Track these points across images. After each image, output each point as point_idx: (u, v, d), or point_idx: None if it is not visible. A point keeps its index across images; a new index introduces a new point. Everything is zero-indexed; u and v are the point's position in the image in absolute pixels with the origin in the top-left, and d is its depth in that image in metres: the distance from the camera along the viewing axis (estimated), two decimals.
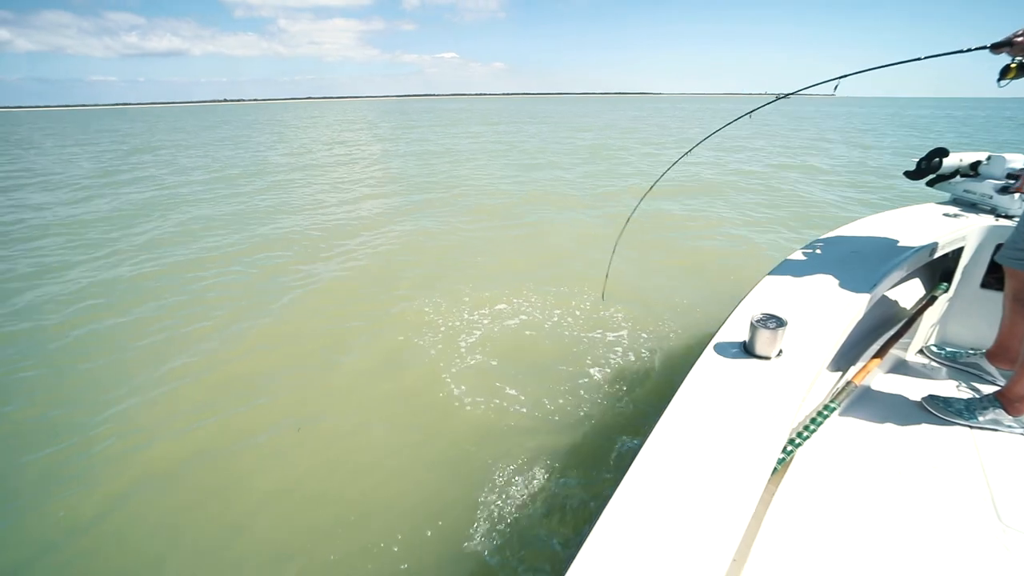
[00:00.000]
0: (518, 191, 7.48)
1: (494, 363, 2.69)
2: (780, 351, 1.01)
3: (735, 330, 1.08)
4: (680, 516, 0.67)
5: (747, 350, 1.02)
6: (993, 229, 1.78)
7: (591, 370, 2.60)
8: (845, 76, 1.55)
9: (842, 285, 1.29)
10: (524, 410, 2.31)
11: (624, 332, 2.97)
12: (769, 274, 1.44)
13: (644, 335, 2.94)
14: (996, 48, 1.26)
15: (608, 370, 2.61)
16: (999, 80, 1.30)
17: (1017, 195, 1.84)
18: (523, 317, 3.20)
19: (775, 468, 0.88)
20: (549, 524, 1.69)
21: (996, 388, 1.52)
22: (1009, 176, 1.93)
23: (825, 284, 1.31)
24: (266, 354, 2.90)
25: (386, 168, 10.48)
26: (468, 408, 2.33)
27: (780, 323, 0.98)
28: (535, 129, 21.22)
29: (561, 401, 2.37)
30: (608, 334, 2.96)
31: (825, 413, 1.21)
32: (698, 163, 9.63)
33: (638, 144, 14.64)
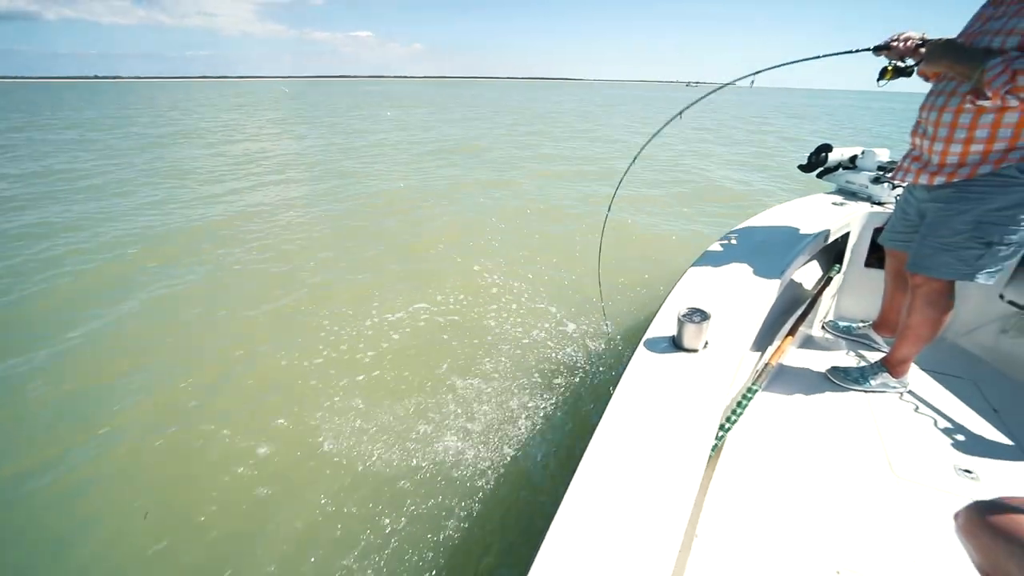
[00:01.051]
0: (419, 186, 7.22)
1: (405, 373, 2.51)
2: (706, 343, 1.06)
3: (664, 325, 1.13)
4: (629, 508, 0.72)
5: (676, 344, 1.06)
6: (871, 215, 2.03)
7: (528, 372, 2.52)
8: (758, 72, 1.65)
9: (756, 273, 1.39)
10: (460, 419, 2.17)
11: (554, 330, 2.91)
12: (692, 266, 1.51)
13: (579, 334, 2.89)
14: (877, 51, 1.39)
15: (546, 371, 2.54)
16: (879, 80, 1.44)
17: (886, 184, 2.11)
18: (444, 316, 3.08)
19: (710, 454, 0.93)
20: (503, 530, 1.66)
21: (883, 355, 1.74)
22: (879, 168, 2.22)
23: (741, 274, 1.40)
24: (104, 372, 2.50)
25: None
26: (398, 424, 2.15)
27: (704, 316, 1.03)
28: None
29: (498, 406, 2.27)
30: (536, 332, 2.89)
31: (749, 396, 1.30)
32: (610, 155, 10.08)
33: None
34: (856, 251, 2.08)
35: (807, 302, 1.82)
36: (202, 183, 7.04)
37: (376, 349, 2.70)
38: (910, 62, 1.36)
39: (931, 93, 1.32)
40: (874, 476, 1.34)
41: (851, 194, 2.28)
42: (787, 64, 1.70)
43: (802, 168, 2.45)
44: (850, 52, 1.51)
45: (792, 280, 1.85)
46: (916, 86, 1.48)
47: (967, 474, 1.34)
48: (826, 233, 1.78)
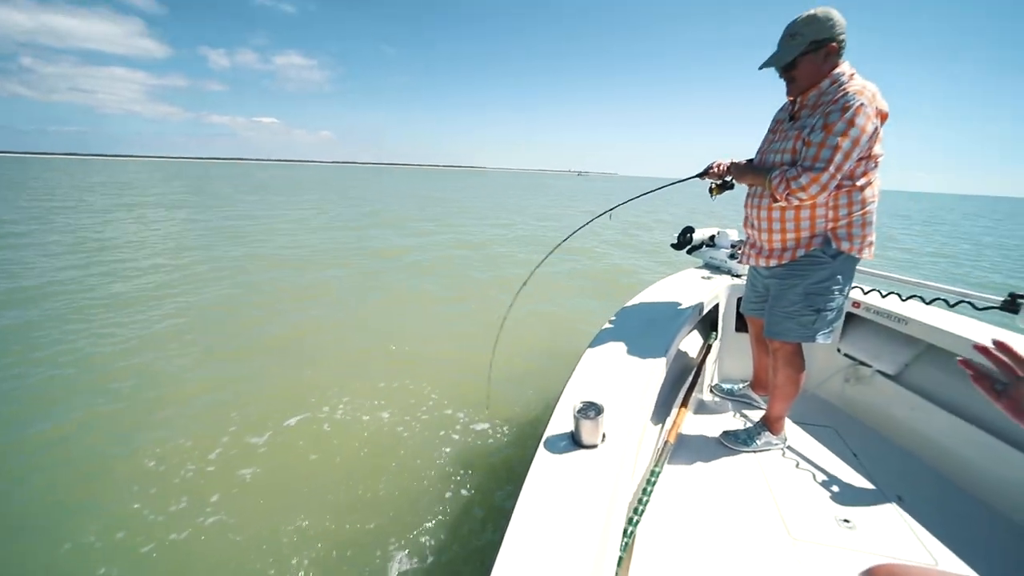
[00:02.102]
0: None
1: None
2: (604, 435, 1.03)
3: (563, 421, 1.09)
4: None
5: (575, 441, 1.02)
6: (733, 287, 2.33)
7: (427, 473, 2.28)
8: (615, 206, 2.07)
9: (644, 353, 1.45)
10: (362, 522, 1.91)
11: (446, 422, 2.72)
12: (588, 347, 1.53)
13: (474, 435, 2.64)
14: (701, 175, 1.71)
15: (447, 470, 2.33)
16: (711, 196, 1.77)
17: (739, 260, 2.47)
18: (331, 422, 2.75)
19: (620, 554, 0.86)
20: None
21: (762, 411, 1.90)
22: (732, 246, 2.61)
23: (631, 356, 1.44)
24: None
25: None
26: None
27: (599, 410, 1.01)
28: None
29: (403, 507, 2.05)
30: (439, 429, 2.67)
31: (653, 480, 1.29)
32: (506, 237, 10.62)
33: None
34: (727, 318, 2.35)
35: (694, 371, 1.96)
36: None
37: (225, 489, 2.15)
38: (728, 179, 1.69)
39: (749, 195, 1.64)
40: (774, 542, 1.38)
41: (715, 268, 2.62)
42: (642, 195, 2.09)
43: (674, 246, 2.79)
44: (683, 180, 1.88)
45: (680, 351, 2.00)
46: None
47: (846, 523, 1.44)
48: (700, 305, 1.98)
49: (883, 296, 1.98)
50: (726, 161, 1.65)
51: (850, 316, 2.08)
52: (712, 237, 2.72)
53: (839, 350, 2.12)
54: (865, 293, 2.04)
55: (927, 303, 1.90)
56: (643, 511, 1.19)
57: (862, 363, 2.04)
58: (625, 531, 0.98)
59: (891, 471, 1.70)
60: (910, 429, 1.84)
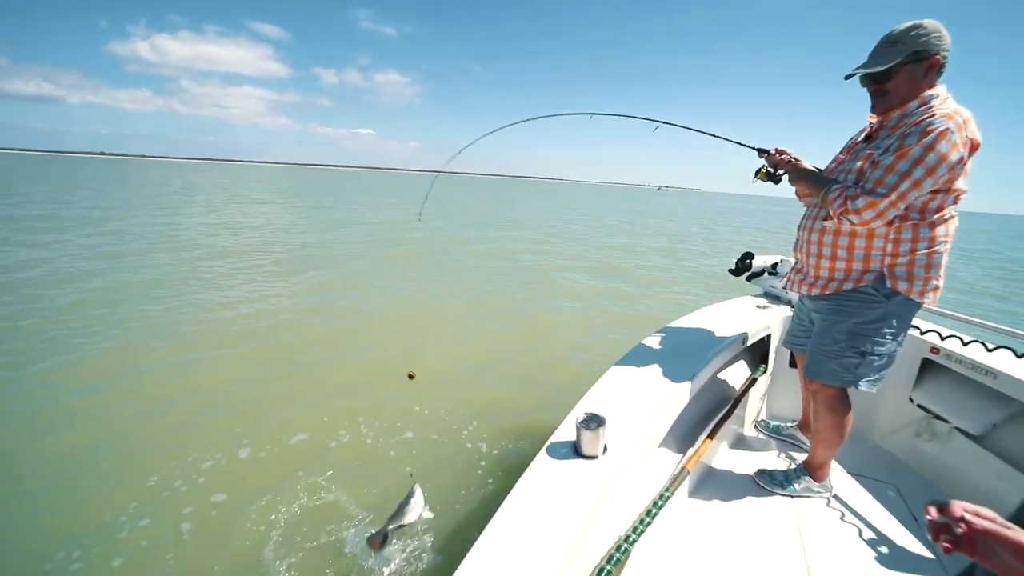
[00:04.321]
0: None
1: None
2: (605, 447, 1.08)
3: (568, 430, 1.13)
4: None
5: (576, 451, 1.07)
6: (789, 318, 2.19)
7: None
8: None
9: (668, 376, 1.45)
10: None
11: (453, 434, 2.75)
12: (615, 365, 1.55)
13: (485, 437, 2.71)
14: (760, 152, 1.62)
15: (439, 471, 2.40)
16: (753, 178, 1.64)
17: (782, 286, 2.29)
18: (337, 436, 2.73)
19: (609, 568, 0.90)
20: None
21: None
22: None
23: (653, 376, 1.45)
24: None
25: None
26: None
27: (600, 422, 1.05)
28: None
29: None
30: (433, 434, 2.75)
31: (660, 503, 1.29)
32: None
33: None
34: (780, 352, 2.20)
35: (731, 403, 1.88)
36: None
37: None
38: (780, 172, 1.58)
39: (804, 216, 1.53)
40: None
41: (775, 297, 2.47)
42: (693, 129, 2.01)
43: (732, 272, 2.68)
44: (742, 144, 1.74)
45: (718, 379, 1.93)
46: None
47: None
48: (744, 336, 1.89)
49: (964, 344, 1.75)
50: (791, 154, 1.53)
51: (927, 363, 1.86)
52: (775, 265, 2.57)
53: (911, 400, 1.90)
54: (943, 339, 1.81)
55: (1018, 356, 1.65)
56: (643, 531, 1.20)
57: (939, 417, 1.81)
58: (619, 546, 1.01)
59: None
60: (990, 500, 1.60)
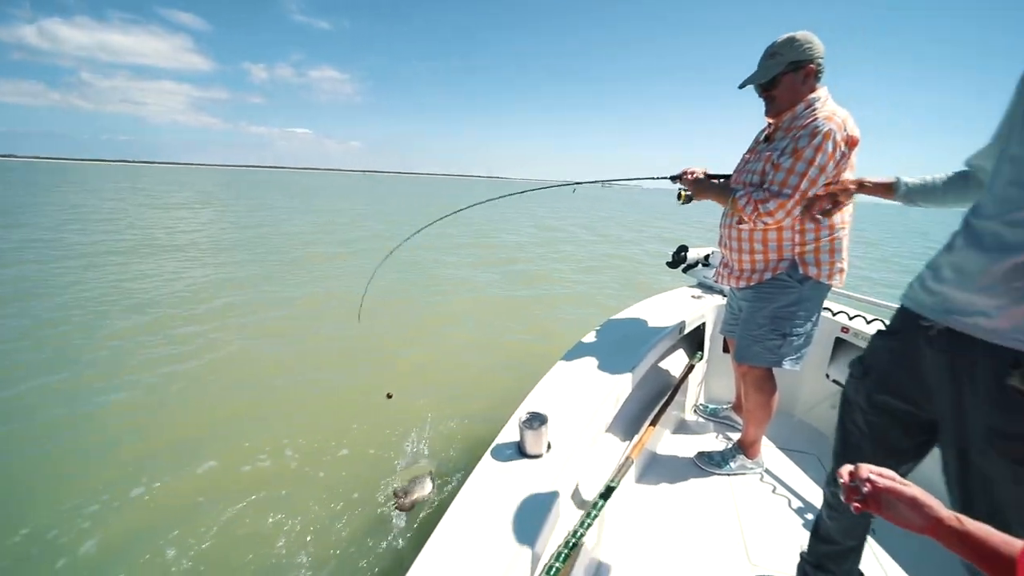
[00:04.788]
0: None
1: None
2: (549, 445, 1.07)
3: (512, 431, 1.12)
4: None
5: (520, 451, 1.06)
6: (721, 307, 2.33)
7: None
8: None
9: (609, 369, 1.47)
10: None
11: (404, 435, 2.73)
12: (560, 360, 1.56)
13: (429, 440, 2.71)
14: (674, 179, 1.71)
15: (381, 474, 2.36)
16: (680, 203, 1.74)
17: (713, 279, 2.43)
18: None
19: (558, 565, 0.89)
20: None
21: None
22: None
23: (594, 371, 1.47)
24: None
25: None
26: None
27: (542, 421, 1.04)
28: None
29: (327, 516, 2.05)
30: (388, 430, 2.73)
31: (606, 495, 1.30)
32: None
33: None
34: (715, 338, 2.33)
35: (671, 390, 1.96)
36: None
37: None
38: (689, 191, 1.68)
39: (723, 214, 1.63)
40: (731, 567, 1.37)
41: (708, 287, 2.62)
42: (611, 181, 2.20)
43: (669, 264, 2.80)
44: (654, 179, 1.89)
45: (659, 368, 2.00)
46: None
47: None
48: (682, 325, 1.98)
49: (868, 323, 1.94)
50: (700, 170, 1.63)
51: (839, 342, 2.04)
52: (707, 257, 2.72)
53: (827, 376, 2.08)
54: (851, 319, 2.01)
55: None
56: (590, 524, 1.20)
57: None
58: (567, 542, 1.00)
59: None
60: None
